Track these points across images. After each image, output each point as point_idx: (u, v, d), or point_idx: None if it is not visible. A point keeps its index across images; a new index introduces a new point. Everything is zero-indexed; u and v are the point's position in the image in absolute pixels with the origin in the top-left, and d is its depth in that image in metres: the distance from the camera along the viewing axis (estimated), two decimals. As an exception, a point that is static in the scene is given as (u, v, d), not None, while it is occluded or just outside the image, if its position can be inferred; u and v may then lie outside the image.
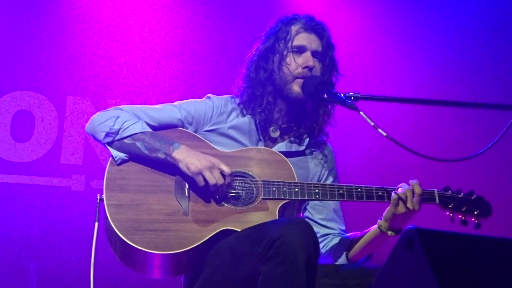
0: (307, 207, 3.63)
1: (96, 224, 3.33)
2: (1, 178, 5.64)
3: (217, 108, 3.57)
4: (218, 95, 3.68)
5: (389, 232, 3.41)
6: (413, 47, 6.11)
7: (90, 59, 5.82)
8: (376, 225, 3.44)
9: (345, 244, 3.53)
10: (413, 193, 3.36)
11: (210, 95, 3.65)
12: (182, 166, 3.29)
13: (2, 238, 5.52)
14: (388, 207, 3.39)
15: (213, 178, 3.26)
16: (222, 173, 3.28)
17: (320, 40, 3.58)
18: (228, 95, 3.67)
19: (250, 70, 3.61)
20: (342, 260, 3.51)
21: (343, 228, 3.65)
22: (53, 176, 5.70)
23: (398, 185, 3.41)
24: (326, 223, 3.61)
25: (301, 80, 3.51)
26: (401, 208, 3.35)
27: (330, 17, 5.92)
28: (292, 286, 2.90)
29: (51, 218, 5.60)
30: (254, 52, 3.63)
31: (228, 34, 5.86)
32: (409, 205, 3.34)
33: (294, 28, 3.57)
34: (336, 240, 3.58)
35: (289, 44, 3.54)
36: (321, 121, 3.62)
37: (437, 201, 3.44)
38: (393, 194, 3.36)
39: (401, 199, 3.34)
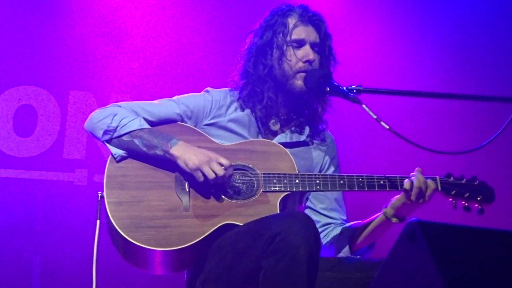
0: (309, 197, 3.63)
1: (98, 221, 3.33)
2: (4, 173, 5.64)
3: (216, 101, 3.56)
4: (219, 88, 3.67)
5: (394, 219, 3.42)
6: (415, 40, 6.10)
7: (92, 53, 5.82)
8: (380, 213, 3.44)
9: (348, 233, 3.53)
10: (426, 185, 3.36)
11: (208, 88, 3.64)
12: (180, 162, 3.29)
13: (6, 233, 5.53)
14: (399, 196, 3.39)
15: (212, 173, 3.25)
16: (221, 166, 3.27)
17: (317, 32, 3.56)
18: (227, 88, 3.65)
19: (248, 66, 3.58)
20: (345, 249, 3.52)
21: (345, 217, 3.65)
22: (56, 171, 5.70)
23: (412, 174, 3.40)
24: (327, 212, 3.61)
25: (302, 74, 3.49)
26: (413, 198, 3.34)
27: (332, 8, 5.93)
28: (293, 280, 2.91)
29: (54, 212, 5.61)
30: (250, 46, 3.61)
31: (230, 28, 5.85)
32: (421, 197, 3.35)
33: (291, 21, 3.54)
34: (338, 230, 3.58)
35: (288, 38, 3.51)
36: (320, 109, 3.61)
37: (439, 188, 3.42)
38: (407, 183, 3.35)
39: (418, 190, 3.33)
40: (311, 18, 3.56)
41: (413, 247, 2.43)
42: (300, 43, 3.53)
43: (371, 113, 3.20)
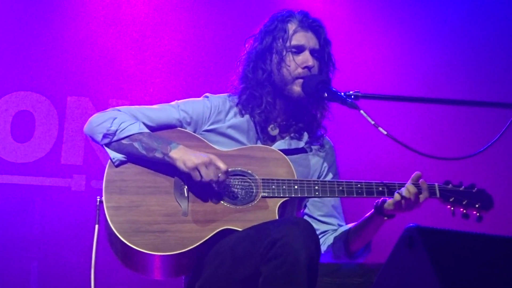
0: (307, 204, 3.63)
1: (97, 226, 3.32)
2: (1, 178, 5.63)
3: (215, 107, 3.56)
4: (218, 93, 3.67)
5: (385, 217, 3.43)
6: (413, 45, 6.11)
7: (90, 59, 5.82)
8: (372, 211, 3.45)
9: (343, 236, 3.54)
10: (418, 195, 3.36)
11: (208, 94, 3.64)
12: (179, 163, 3.29)
13: (3, 239, 5.52)
14: (389, 201, 3.39)
15: (209, 174, 3.25)
16: (218, 170, 3.27)
17: (317, 38, 3.57)
18: (226, 94, 3.66)
19: (247, 70, 3.59)
20: (341, 252, 3.52)
21: (343, 224, 3.65)
22: (54, 176, 5.70)
23: (406, 185, 3.39)
24: (325, 219, 3.62)
25: (301, 80, 3.50)
26: (403, 207, 3.36)
27: (330, 14, 5.94)
28: (293, 286, 2.90)
29: (51, 218, 5.60)
30: (250, 51, 3.61)
31: (229, 33, 5.86)
32: (412, 206, 3.36)
33: (291, 27, 3.54)
34: (334, 235, 3.58)
35: (287, 44, 3.52)
36: (319, 115, 3.62)
37: (438, 195, 3.44)
38: (396, 195, 3.36)
39: (405, 201, 3.35)
40: (311, 24, 3.57)
41: (412, 252, 2.43)
42: (299, 49, 3.53)
43: (369, 119, 3.20)
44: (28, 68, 5.75)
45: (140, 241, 3.18)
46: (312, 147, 3.65)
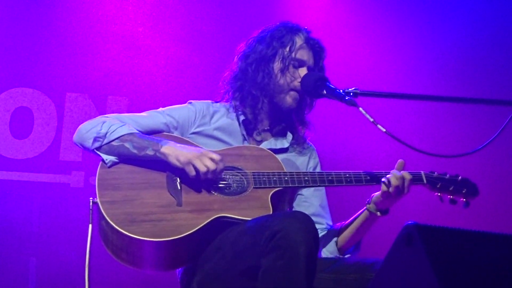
0: (293, 204, 3.67)
1: (90, 226, 3.35)
2: (0, 175, 5.63)
3: (200, 110, 3.63)
4: (215, 94, 3.74)
5: (378, 213, 3.48)
6: (413, 43, 6.11)
7: (89, 55, 5.81)
8: (364, 208, 3.50)
9: (334, 234, 3.59)
10: (404, 179, 3.39)
11: (191, 100, 3.71)
12: (172, 159, 3.32)
13: (2, 235, 5.52)
14: (378, 193, 3.45)
15: (204, 167, 3.28)
16: (212, 161, 3.29)
17: (315, 59, 3.67)
18: (209, 100, 3.73)
19: (250, 69, 3.65)
20: (332, 250, 3.56)
21: (331, 223, 3.70)
22: (52, 173, 5.70)
23: (391, 172, 3.45)
24: (313, 218, 3.64)
25: (295, 93, 3.59)
26: (392, 194, 3.40)
27: (330, 10, 5.93)
28: (292, 278, 2.92)
29: (50, 214, 5.60)
30: (253, 51, 3.68)
31: (229, 32, 5.86)
32: (400, 192, 3.40)
33: (298, 40, 3.65)
34: (324, 233, 3.62)
35: (292, 55, 3.61)
36: (302, 130, 3.73)
37: (425, 181, 3.50)
38: (383, 184, 3.40)
39: (393, 187, 3.39)
40: (314, 45, 3.68)
41: (410, 250, 2.43)
42: (300, 64, 3.63)
43: (367, 116, 3.22)
44: (27, 64, 5.74)
45: (137, 229, 3.20)
46: (296, 148, 3.72)
